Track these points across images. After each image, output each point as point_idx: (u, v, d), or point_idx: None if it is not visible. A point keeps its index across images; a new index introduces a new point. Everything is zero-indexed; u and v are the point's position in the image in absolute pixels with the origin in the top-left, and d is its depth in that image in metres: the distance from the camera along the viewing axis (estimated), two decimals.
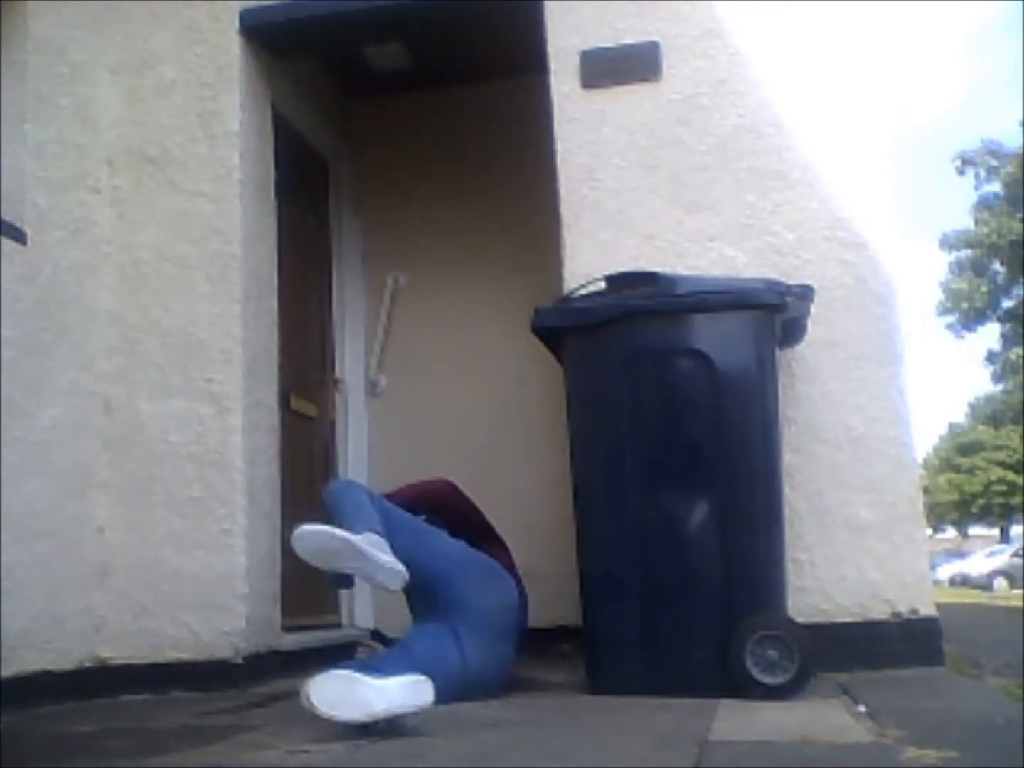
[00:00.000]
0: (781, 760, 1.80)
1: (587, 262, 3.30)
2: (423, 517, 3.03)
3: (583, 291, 2.99)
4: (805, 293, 2.94)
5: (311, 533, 2.47)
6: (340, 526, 2.56)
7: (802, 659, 2.56)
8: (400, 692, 2.17)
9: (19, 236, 3.30)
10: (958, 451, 39.10)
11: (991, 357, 29.40)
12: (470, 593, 2.83)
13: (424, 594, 2.86)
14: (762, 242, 3.28)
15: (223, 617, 3.39)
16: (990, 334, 28.77)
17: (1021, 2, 26.87)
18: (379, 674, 2.23)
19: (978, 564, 29.12)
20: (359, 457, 4.97)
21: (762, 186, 3.31)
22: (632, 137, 3.41)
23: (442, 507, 3.18)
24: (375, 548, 2.53)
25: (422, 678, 2.23)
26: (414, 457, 4.89)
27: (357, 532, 2.54)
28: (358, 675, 2.17)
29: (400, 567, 2.53)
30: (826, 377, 3.20)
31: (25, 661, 3.10)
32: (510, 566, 3.10)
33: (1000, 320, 27.70)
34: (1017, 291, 26.97)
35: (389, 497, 3.04)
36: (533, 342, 3.01)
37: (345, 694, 2.13)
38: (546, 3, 3.53)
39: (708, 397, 2.73)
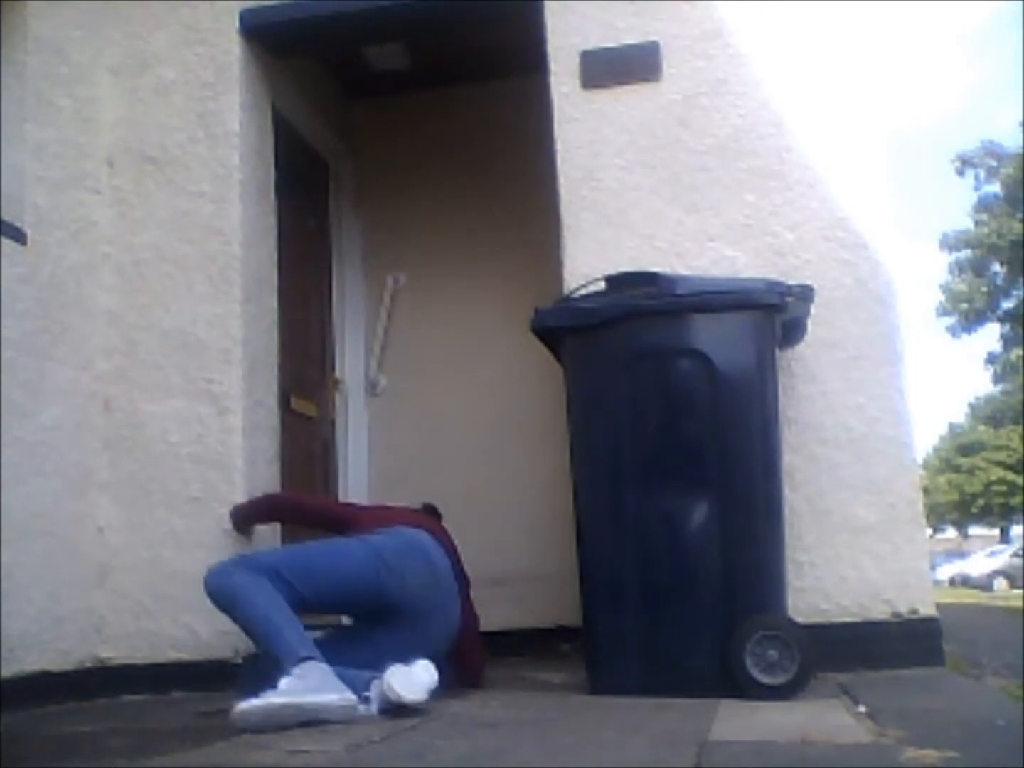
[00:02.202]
0: (781, 760, 1.80)
1: (587, 262, 3.30)
2: None
3: (583, 291, 2.99)
4: (805, 293, 2.94)
5: (251, 712, 2.30)
6: (263, 649, 2.50)
7: (802, 659, 2.56)
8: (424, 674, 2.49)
9: (19, 236, 3.30)
10: (958, 451, 39.08)
11: (991, 358, 29.39)
12: (402, 594, 2.75)
13: (366, 616, 2.85)
14: (762, 242, 3.28)
15: (223, 617, 3.37)
16: (990, 335, 28.78)
17: (1021, 2, 26.85)
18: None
19: (978, 564, 29.10)
20: (359, 457, 4.97)
21: (762, 186, 3.31)
22: (632, 137, 3.41)
23: (288, 514, 3.45)
24: (315, 687, 2.34)
25: (428, 663, 2.54)
26: (414, 457, 4.89)
27: (289, 668, 2.38)
28: (409, 668, 2.46)
29: (349, 699, 2.33)
30: (826, 377, 3.20)
31: (25, 661, 3.10)
32: (406, 520, 3.04)
33: (1000, 321, 27.68)
34: (1017, 292, 26.93)
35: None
36: (533, 342, 3.01)
37: (408, 681, 2.43)
38: (546, 3, 3.53)
39: (708, 397, 2.73)
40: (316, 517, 3.32)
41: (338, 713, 2.31)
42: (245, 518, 3.42)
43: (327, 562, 2.75)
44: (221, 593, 2.63)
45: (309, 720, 2.28)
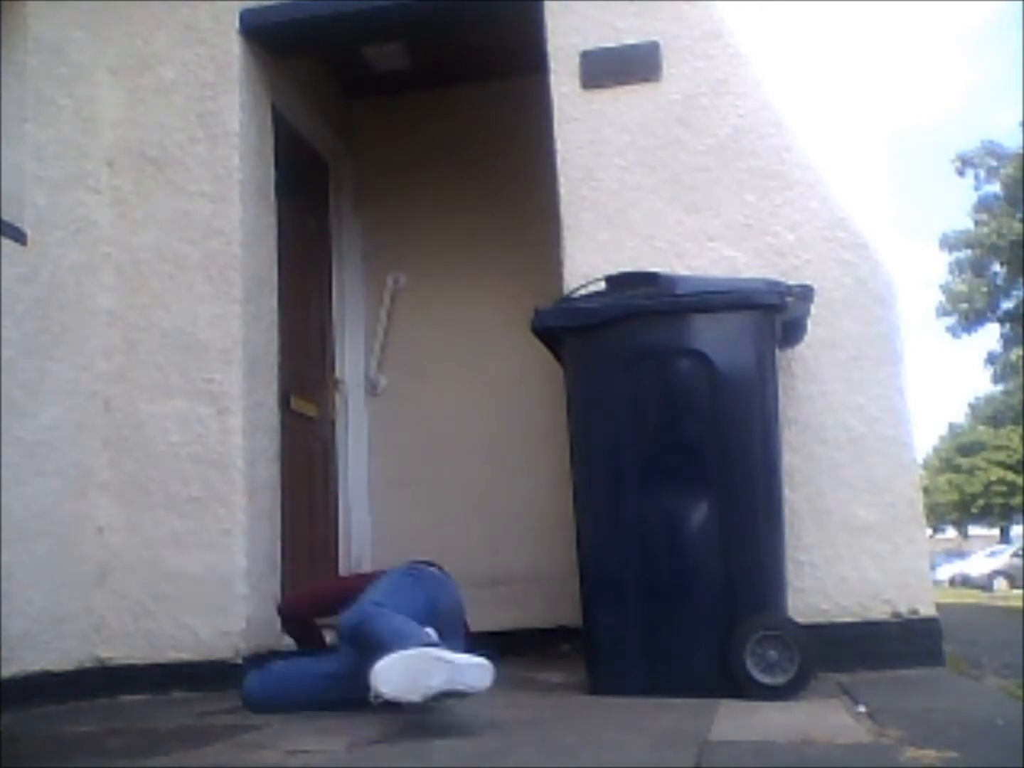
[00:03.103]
0: (781, 760, 1.80)
1: (587, 262, 3.30)
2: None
3: (583, 291, 2.99)
4: (805, 293, 2.94)
5: (394, 662, 2.16)
6: (391, 650, 2.25)
7: (802, 659, 2.56)
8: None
9: (19, 236, 3.30)
10: (958, 451, 39.08)
11: (991, 358, 29.39)
12: (435, 619, 2.75)
13: None
14: (762, 242, 3.28)
15: (223, 617, 3.39)
16: (990, 335, 28.79)
17: (1021, 1, 26.84)
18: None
19: (978, 564, 29.10)
20: (359, 457, 4.97)
21: (762, 186, 3.31)
22: (632, 137, 3.41)
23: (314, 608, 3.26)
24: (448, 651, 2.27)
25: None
26: (414, 457, 4.90)
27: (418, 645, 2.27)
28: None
29: (483, 659, 2.22)
30: (826, 377, 3.20)
31: (25, 661, 3.10)
32: None
33: (1000, 321, 27.69)
34: (1017, 292, 26.93)
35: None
36: (533, 342, 3.01)
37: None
38: (546, 3, 3.53)
39: (708, 397, 2.73)
40: (336, 600, 3.16)
41: (477, 674, 2.19)
42: (289, 631, 3.33)
43: (406, 604, 2.71)
44: (359, 627, 2.56)
45: (449, 683, 2.14)
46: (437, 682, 2.14)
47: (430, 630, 2.47)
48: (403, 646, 2.22)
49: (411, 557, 3.16)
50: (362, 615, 2.58)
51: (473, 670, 2.19)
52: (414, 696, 2.13)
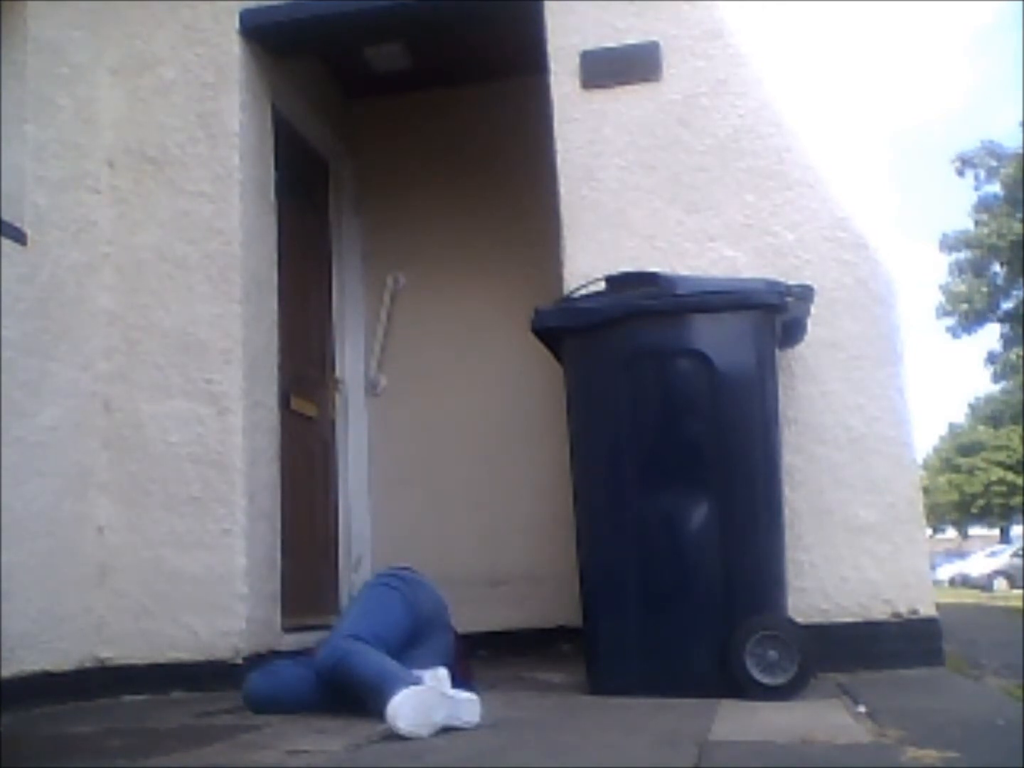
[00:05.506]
0: (781, 760, 1.80)
1: (587, 262, 3.30)
2: None
3: (583, 291, 2.99)
4: (805, 293, 2.94)
5: (408, 699, 2.21)
6: (380, 691, 2.32)
7: (802, 659, 2.56)
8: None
9: (19, 236, 3.30)
10: (958, 451, 39.07)
11: (991, 358, 29.38)
12: (418, 623, 2.83)
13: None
14: (762, 242, 3.28)
15: (223, 617, 3.39)
16: (990, 335, 28.77)
17: (1021, 1, 26.84)
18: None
19: (978, 564, 29.10)
20: (359, 457, 4.97)
21: (762, 186, 3.31)
22: (632, 137, 3.41)
23: None
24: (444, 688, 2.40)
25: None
26: (414, 457, 4.90)
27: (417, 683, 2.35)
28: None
29: (473, 695, 2.36)
30: (826, 377, 3.20)
31: (25, 661, 3.10)
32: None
33: (1000, 321, 27.68)
34: (1017, 292, 26.92)
35: None
36: (533, 342, 3.01)
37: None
38: (546, 3, 3.53)
39: (708, 397, 2.73)
40: None
41: (469, 708, 2.30)
42: None
43: (384, 619, 2.76)
44: (336, 668, 2.56)
45: (448, 718, 2.24)
46: (439, 717, 2.23)
47: (418, 672, 2.45)
48: (393, 687, 2.25)
49: (411, 557, 3.16)
50: (338, 654, 2.56)
51: (466, 705, 2.31)
52: (424, 731, 2.19)
